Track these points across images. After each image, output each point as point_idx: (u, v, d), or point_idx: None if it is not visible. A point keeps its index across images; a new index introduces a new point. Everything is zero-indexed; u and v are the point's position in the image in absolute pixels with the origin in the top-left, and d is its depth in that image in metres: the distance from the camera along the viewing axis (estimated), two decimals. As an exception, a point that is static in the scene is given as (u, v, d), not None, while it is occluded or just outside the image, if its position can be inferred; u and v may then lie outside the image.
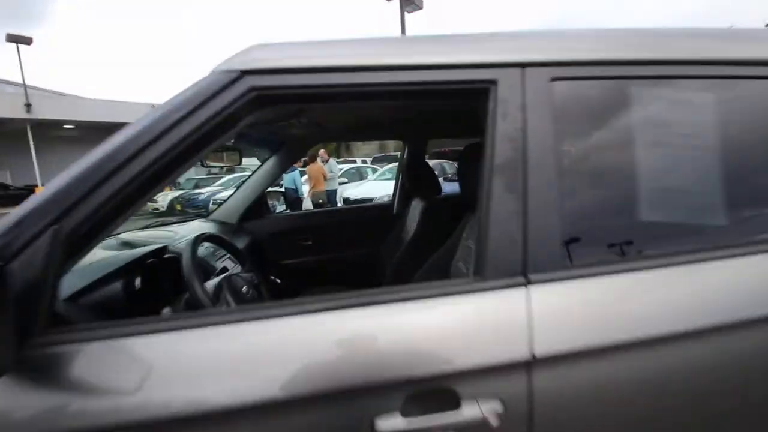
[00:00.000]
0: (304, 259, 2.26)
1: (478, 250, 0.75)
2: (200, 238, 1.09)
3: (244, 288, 1.13)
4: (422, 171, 1.89)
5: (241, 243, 1.89)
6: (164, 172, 0.71)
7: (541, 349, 0.66)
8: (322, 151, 7.45)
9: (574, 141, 0.79)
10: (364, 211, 2.67)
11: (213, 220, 2.05)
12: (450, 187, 2.53)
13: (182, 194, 12.48)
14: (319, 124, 1.71)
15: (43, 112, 17.30)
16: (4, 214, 0.67)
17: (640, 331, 0.68)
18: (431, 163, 4.86)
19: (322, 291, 2.01)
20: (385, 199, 6.57)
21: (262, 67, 0.74)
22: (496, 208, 0.72)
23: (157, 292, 1.08)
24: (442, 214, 1.78)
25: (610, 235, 0.78)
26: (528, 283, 0.70)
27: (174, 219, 1.99)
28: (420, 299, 0.69)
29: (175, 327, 0.66)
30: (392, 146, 18.58)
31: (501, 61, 0.78)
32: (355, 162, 13.03)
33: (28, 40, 16.82)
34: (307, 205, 7.32)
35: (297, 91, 0.75)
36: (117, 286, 0.95)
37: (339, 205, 7.66)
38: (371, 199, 7.21)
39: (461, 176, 1.20)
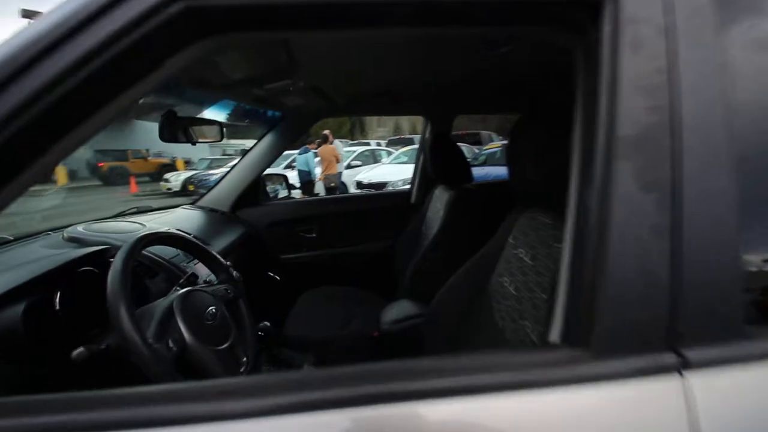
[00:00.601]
0: (306, 254, 1.96)
1: (573, 296, 0.42)
2: (143, 241, 0.78)
3: (211, 309, 0.82)
4: (449, 153, 1.54)
5: (233, 234, 1.60)
6: (45, 127, 0.41)
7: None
8: (326, 132, 7.10)
9: (762, 96, 0.43)
10: (376, 199, 2.34)
11: (201, 208, 1.75)
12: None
13: (195, 174, 12.35)
14: (320, 91, 1.37)
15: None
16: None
17: None
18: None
19: (327, 290, 1.71)
20: (401, 185, 6.29)
21: None
22: (617, 219, 0.39)
23: (86, 315, 0.79)
24: (474, 208, 1.43)
25: None
26: (684, 365, 0.37)
27: (154, 205, 1.70)
28: (472, 393, 0.37)
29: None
30: (408, 128, 18.00)
31: None
32: (368, 144, 12.57)
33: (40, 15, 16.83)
34: (319, 188, 7.04)
35: (254, 1, 0.42)
36: (18, 310, 0.66)
37: (346, 189, 7.39)
38: (385, 183, 6.87)
39: (513, 158, 0.85)
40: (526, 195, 0.88)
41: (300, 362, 1.30)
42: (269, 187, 2.05)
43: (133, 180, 12.52)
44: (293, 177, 6.79)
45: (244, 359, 0.84)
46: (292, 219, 1.95)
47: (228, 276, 0.97)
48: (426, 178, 2.03)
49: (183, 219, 1.55)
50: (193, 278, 0.97)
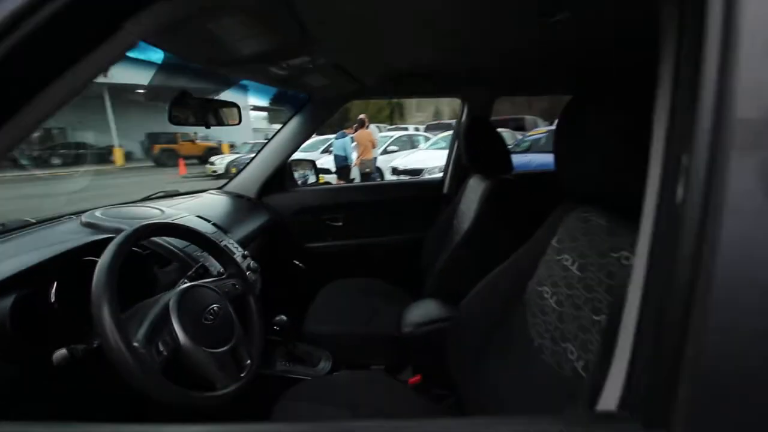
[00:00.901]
0: (332, 243, 1.89)
1: (646, 347, 0.30)
2: (138, 233, 0.72)
3: (213, 307, 0.76)
4: (487, 139, 1.39)
5: (257, 221, 1.57)
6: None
7: None
8: (362, 116, 6.99)
9: None
10: (406, 187, 2.22)
11: (227, 193, 1.73)
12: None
13: (238, 158, 12.78)
14: (344, 70, 1.26)
15: (119, 76, 18.33)
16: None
17: None
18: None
19: (351, 282, 1.63)
20: (437, 171, 6.12)
21: None
22: (727, 239, 0.26)
23: (85, 309, 0.75)
24: (512, 201, 1.29)
25: None
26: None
27: (182, 190, 1.70)
28: None
29: None
30: (447, 113, 17.47)
31: None
32: (406, 129, 12.32)
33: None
34: (355, 173, 7.02)
35: None
36: (6, 303, 0.63)
37: (381, 174, 7.28)
38: (421, 170, 6.71)
39: (562, 144, 0.71)
40: (576, 189, 0.74)
41: (317, 359, 1.24)
42: (297, 173, 1.99)
43: (181, 162, 13.14)
44: (330, 162, 6.81)
45: (248, 362, 0.78)
46: (318, 206, 1.89)
47: (237, 270, 0.91)
48: (460, 167, 1.89)
49: (207, 205, 1.53)
50: (202, 270, 0.91)
